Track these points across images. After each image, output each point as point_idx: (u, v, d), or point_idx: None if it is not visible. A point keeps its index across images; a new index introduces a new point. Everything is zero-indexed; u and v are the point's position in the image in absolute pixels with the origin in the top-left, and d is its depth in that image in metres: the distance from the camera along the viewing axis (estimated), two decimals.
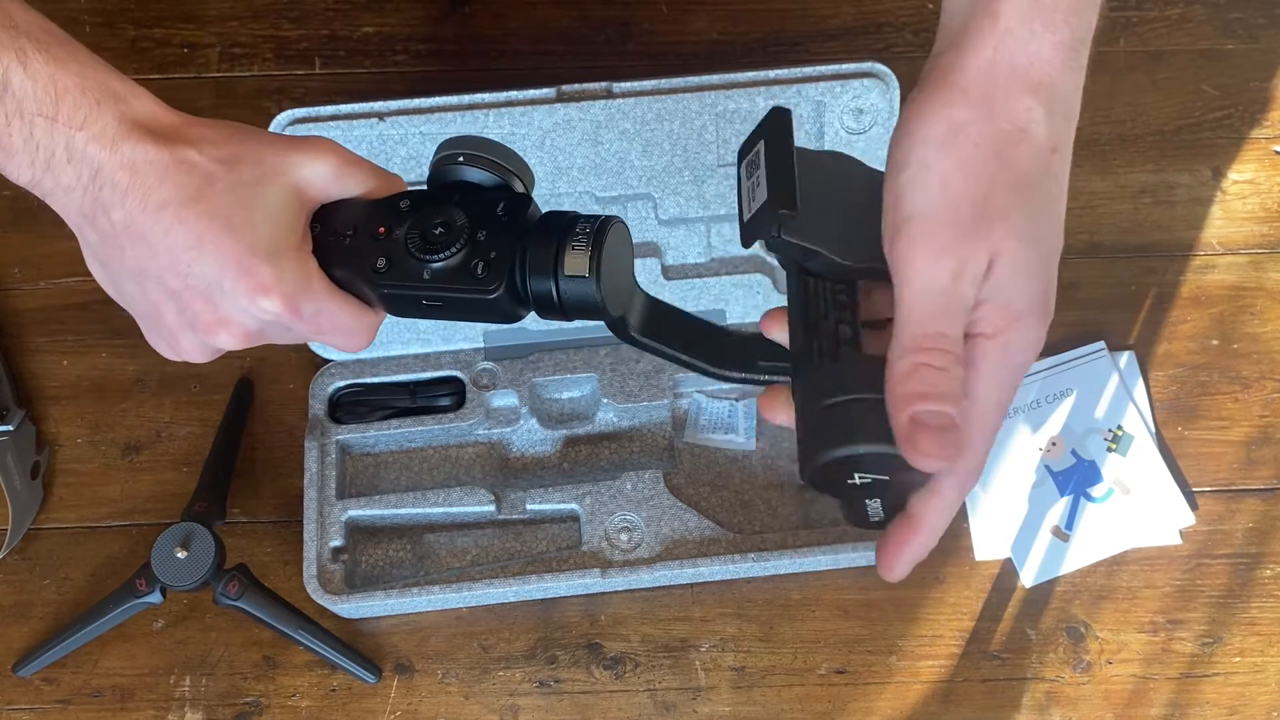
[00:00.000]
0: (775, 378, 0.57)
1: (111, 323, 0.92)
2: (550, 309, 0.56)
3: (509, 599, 0.82)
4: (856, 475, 0.52)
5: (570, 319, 0.57)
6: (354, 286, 0.58)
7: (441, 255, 0.56)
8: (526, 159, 0.83)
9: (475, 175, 0.58)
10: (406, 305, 0.58)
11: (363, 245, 0.57)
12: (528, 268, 0.55)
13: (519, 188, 0.58)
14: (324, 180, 0.57)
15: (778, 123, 0.56)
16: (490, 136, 0.59)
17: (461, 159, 0.57)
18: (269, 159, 0.56)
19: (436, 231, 0.56)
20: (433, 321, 0.87)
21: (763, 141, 0.56)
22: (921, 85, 0.52)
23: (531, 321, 0.87)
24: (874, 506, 0.55)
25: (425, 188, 0.59)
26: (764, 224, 0.54)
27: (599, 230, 0.55)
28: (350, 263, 0.57)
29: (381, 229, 0.57)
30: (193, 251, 0.54)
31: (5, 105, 0.51)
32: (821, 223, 0.54)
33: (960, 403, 0.45)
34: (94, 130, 0.52)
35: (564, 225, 0.56)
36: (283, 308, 0.55)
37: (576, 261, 0.55)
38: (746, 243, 0.56)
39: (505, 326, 0.87)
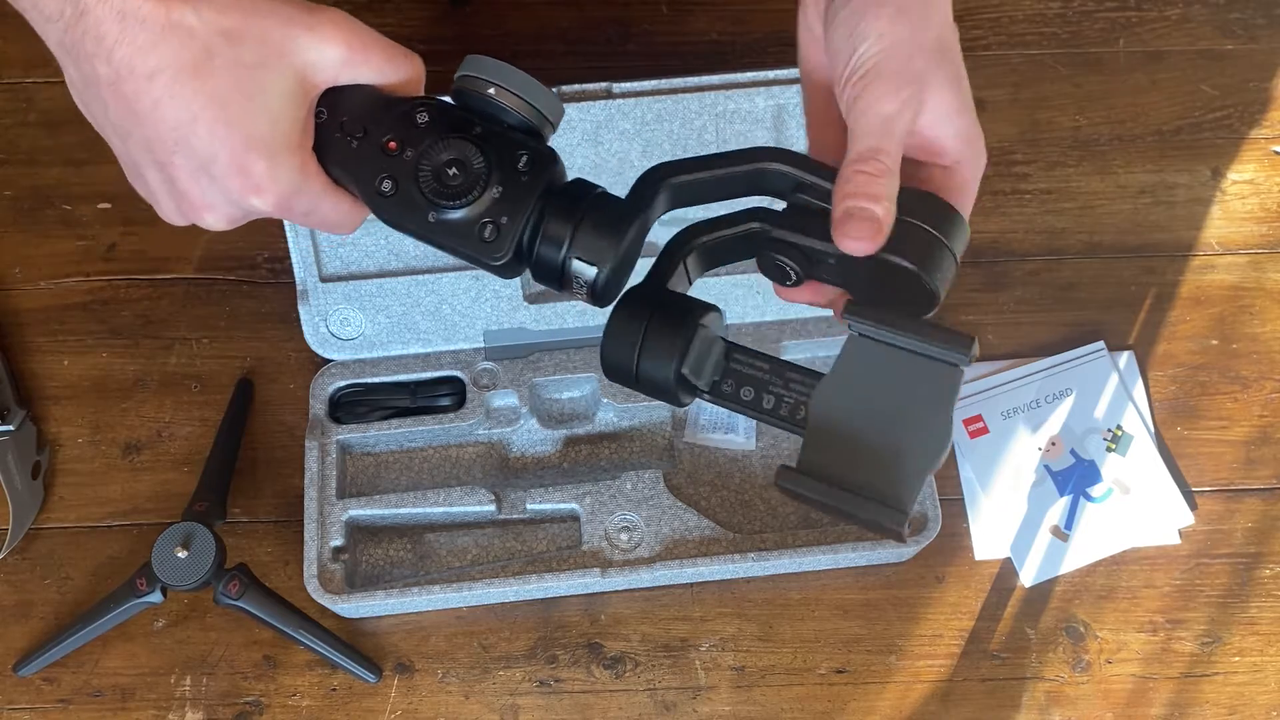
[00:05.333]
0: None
1: (112, 323, 0.92)
2: (550, 280, 0.54)
3: (509, 599, 0.82)
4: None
5: (565, 295, 0.55)
6: (350, 188, 0.55)
7: (451, 204, 0.52)
8: None
9: (504, 113, 0.53)
10: (399, 229, 0.54)
11: (369, 156, 0.53)
12: (539, 239, 0.53)
13: (548, 134, 0.54)
14: (333, 66, 0.53)
15: None
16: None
17: (492, 91, 0.53)
18: (274, 37, 0.51)
19: (450, 172, 0.52)
20: (433, 322, 0.87)
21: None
22: None
23: (532, 321, 0.87)
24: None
25: (447, 100, 0.55)
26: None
27: (624, 215, 0.53)
28: (353, 171, 0.54)
29: (393, 144, 0.53)
30: (183, 130, 0.51)
31: None
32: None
33: (886, 204, 0.53)
34: None
35: (589, 201, 0.53)
36: (274, 207, 0.53)
37: (591, 244, 0.52)
38: None
39: (506, 327, 0.87)
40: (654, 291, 0.55)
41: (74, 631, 0.80)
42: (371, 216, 0.56)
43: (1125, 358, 0.90)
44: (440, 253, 0.86)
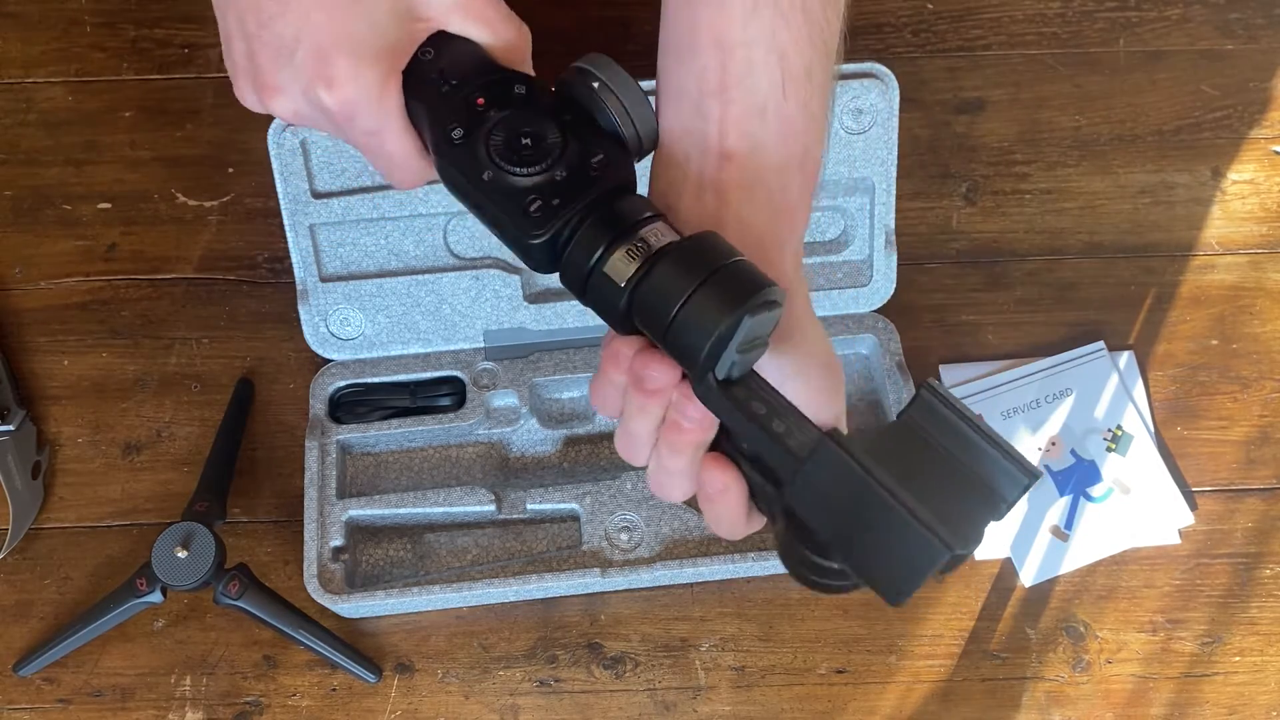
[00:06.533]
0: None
1: (111, 323, 0.92)
2: (573, 285, 0.52)
3: (509, 599, 0.82)
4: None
5: (588, 306, 0.52)
6: (422, 131, 0.54)
7: (509, 169, 0.51)
8: None
9: (600, 112, 0.52)
10: (452, 184, 0.53)
11: (453, 104, 0.53)
12: (575, 238, 0.51)
13: (634, 152, 0.53)
14: (443, 10, 0.53)
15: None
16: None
17: (596, 85, 0.52)
18: None
19: (523, 140, 0.51)
20: (433, 321, 0.87)
21: None
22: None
23: (532, 321, 0.87)
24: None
25: (551, 85, 0.54)
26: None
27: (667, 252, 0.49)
28: (433, 111, 0.53)
29: (481, 100, 0.52)
30: (279, 6, 0.51)
31: None
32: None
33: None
34: None
35: (641, 217, 0.50)
36: (338, 110, 0.52)
37: (620, 266, 0.50)
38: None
39: (506, 327, 0.87)
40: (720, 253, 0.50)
41: (74, 631, 0.80)
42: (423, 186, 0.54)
43: (1125, 358, 0.90)
44: (441, 252, 0.87)
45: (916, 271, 0.93)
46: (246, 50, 0.53)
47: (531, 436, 0.87)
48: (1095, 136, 0.99)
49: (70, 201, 0.96)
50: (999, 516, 0.48)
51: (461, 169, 0.52)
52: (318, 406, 0.86)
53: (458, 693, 0.81)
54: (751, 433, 0.49)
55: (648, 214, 0.51)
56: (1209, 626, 0.82)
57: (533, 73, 0.56)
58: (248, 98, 0.55)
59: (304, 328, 0.87)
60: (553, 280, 0.88)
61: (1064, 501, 0.85)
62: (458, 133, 0.52)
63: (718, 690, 0.81)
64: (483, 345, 0.88)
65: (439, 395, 0.87)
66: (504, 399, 0.87)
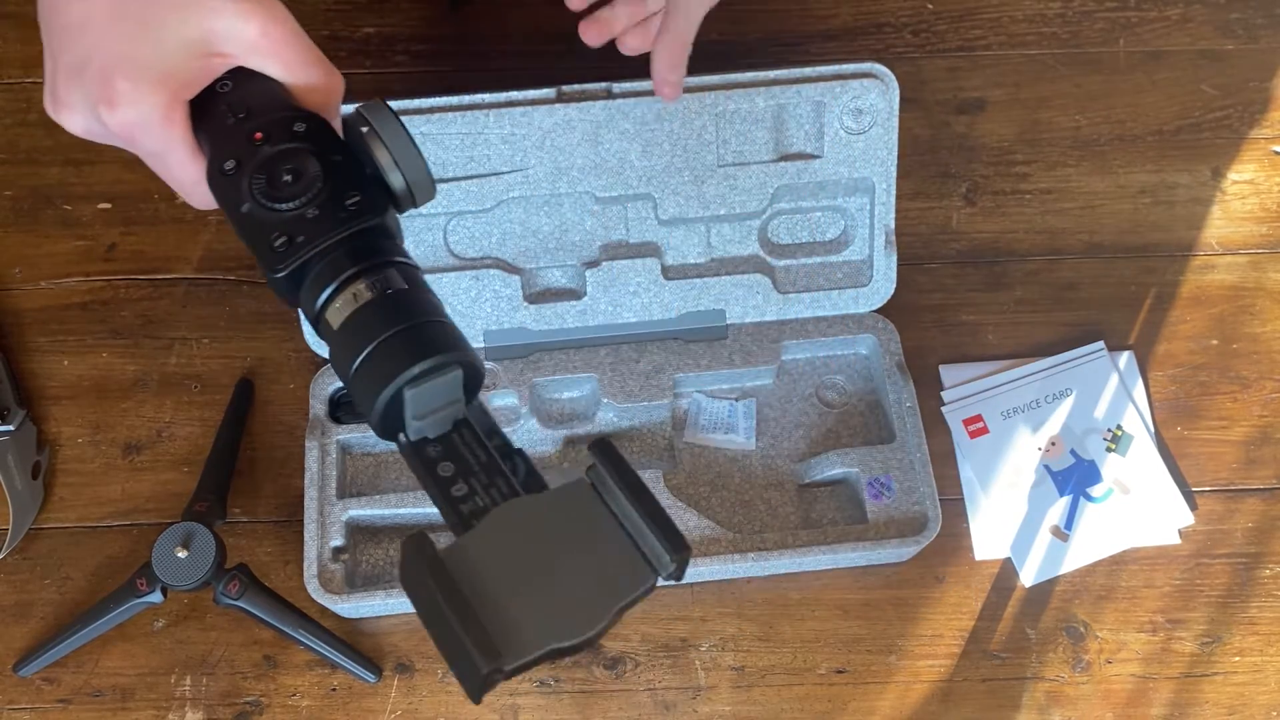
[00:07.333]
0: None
1: (112, 323, 0.92)
2: (314, 328, 0.51)
3: None
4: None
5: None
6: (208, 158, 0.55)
7: (264, 203, 0.51)
8: (527, 159, 0.84)
9: (368, 158, 0.53)
10: (226, 214, 0.53)
11: (234, 137, 0.53)
12: (309, 277, 0.50)
13: (405, 204, 0.53)
14: (242, 45, 0.53)
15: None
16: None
17: (365, 130, 0.52)
18: None
19: (285, 177, 0.52)
20: None
21: None
22: None
23: (532, 321, 0.87)
24: None
25: (342, 118, 0.55)
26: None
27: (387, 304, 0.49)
28: (214, 142, 0.54)
29: (259, 134, 0.53)
30: (76, 30, 0.52)
31: None
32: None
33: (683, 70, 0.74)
34: None
35: (374, 262, 0.50)
36: (118, 130, 0.53)
37: (340, 310, 0.49)
38: None
39: (506, 327, 0.87)
40: (418, 304, 0.50)
41: (74, 631, 0.80)
42: None
43: (1125, 358, 0.90)
44: (441, 252, 0.87)
45: (916, 271, 0.93)
46: (52, 66, 0.55)
47: (531, 436, 0.87)
48: (1095, 136, 0.99)
49: (70, 201, 0.96)
50: (612, 611, 0.47)
51: (226, 200, 0.53)
52: (318, 406, 0.86)
53: (458, 692, 0.81)
54: (430, 490, 0.50)
55: (385, 259, 0.51)
56: (1209, 626, 0.83)
57: (338, 116, 0.56)
58: (50, 111, 0.56)
59: (304, 327, 0.87)
60: (553, 281, 0.89)
61: (1064, 501, 0.85)
62: (230, 164, 0.53)
63: (718, 690, 0.81)
64: (483, 345, 0.88)
65: None
66: (504, 399, 0.87)
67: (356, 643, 0.81)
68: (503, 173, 0.85)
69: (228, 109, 0.54)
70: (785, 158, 0.87)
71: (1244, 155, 0.98)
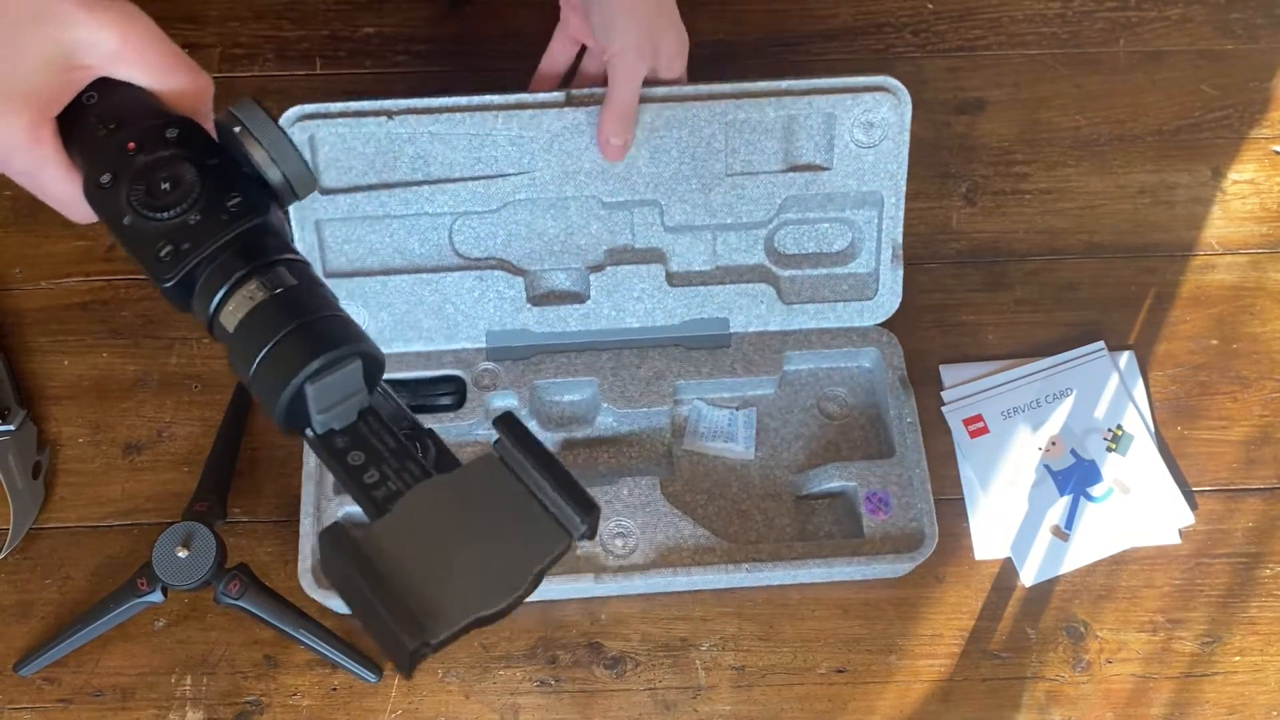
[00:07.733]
0: None
1: (112, 323, 0.92)
2: (210, 331, 0.51)
3: None
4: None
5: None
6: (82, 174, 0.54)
7: (145, 214, 0.51)
8: (534, 161, 0.84)
9: (245, 158, 0.52)
10: (109, 227, 0.53)
11: (107, 148, 0.53)
12: (200, 283, 0.50)
13: (287, 199, 0.53)
14: (100, 56, 0.52)
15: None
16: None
17: (238, 130, 0.52)
18: (47, 3, 0.51)
19: (162, 186, 0.51)
20: (436, 320, 0.87)
21: None
22: None
23: (535, 323, 0.87)
24: None
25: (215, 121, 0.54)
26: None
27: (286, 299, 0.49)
28: (87, 156, 0.53)
29: (132, 145, 0.52)
30: None
31: None
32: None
33: (629, 136, 0.82)
34: None
35: (263, 261, 0.50)
36: None
37: (234, 312, 0.49)
38: None
39: (508, 328, 0.87)
40: (313, 299, 0.51)
41: (74, 631, 0.80)
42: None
43: (1125, 358, 0.90)
44: (445, 251, 0.87)
45: (916, 272, 0.93)
46: None
47: None
48: (1095, 136, 0.99)
49: None
50: (530, 576, 0.48)
51: (107, 214, 0.52)
52: None
53: (458, 692, 0.81)
54: (343, 481, 0.51)
55: (273, 258, 0.51)
56: (1209, 626, 0.83)
57: (210, 119, 0.56)
58: None
59: None
60: (557, 284, 0.89)
61: (1064, 501, 0.85)
62: (106, 178, 0.52)
63: (718, 690, 0.81)
64: (485, 345, 0.88)
65: (439, 394, 0.87)
66: (504, 400, 0.87)
67: (357, 642, 0.81)
68: (510, 174, 0.85)
69: (97, 121, 0.53)
70: (794, 168, 0.86)
71: (1244, 155, 0.98)
